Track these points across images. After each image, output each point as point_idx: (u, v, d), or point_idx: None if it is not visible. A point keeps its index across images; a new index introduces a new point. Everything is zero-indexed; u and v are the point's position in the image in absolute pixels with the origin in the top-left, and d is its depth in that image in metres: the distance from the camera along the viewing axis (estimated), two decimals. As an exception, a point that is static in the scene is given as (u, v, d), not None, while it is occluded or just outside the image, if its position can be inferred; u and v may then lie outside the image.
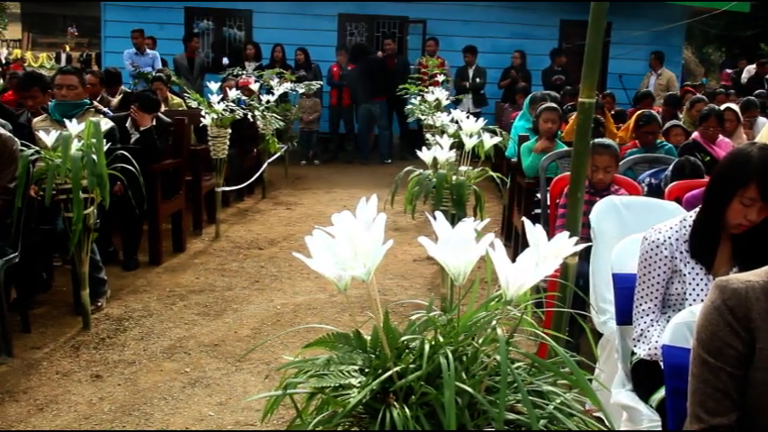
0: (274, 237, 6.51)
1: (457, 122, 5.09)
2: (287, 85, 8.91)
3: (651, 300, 2.49)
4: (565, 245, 1.34)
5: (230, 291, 5.02)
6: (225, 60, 11.34)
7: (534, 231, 1.34)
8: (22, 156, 3.94)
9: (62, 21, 27.90)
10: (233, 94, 6.71)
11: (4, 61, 19.04)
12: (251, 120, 7.39)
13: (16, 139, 4.06)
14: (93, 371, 3.74)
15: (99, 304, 4.57)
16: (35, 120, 4.96)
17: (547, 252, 1.31)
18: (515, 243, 5.77)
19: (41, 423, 3.20)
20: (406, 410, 1.20)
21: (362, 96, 10.70)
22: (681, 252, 2.43)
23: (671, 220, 2.52)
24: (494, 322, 1.29)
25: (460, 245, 1.27)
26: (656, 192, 4.18)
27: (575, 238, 1.34)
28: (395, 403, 1.22)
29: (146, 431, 3.18)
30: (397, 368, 1.24)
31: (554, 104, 5.89)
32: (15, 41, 26.00)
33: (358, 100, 10.88)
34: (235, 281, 5.24)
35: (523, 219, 1.46)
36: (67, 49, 22.58)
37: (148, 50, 10.65)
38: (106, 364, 3.82)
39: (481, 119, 4.50)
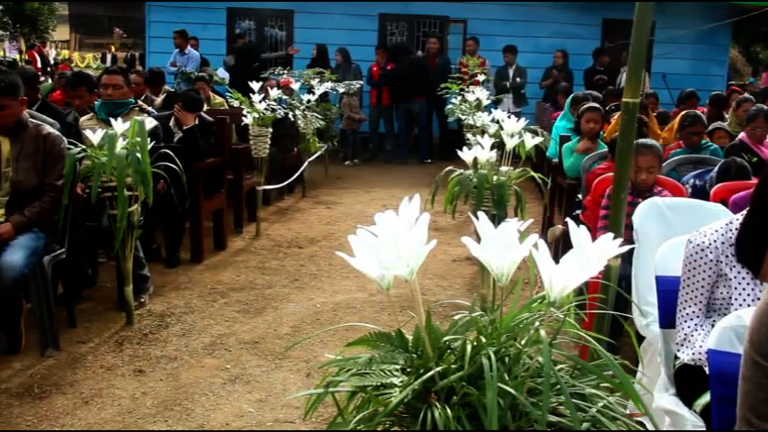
0: (314, 235, 6.55)
1: (498, 122, 5.07)
2: (327, 85, 8.95)
3: (695, 304, 2.45)
4: (609, 246, 1.33)
5: (270, 289, 5.06)
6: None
7: (578, 233, 1.32)
8: (70, 154, 4.02)
9: (108, 22, 28.35)
10: (274, 93, 6.76)
11: (52, 62, 19.46)
12: (292, 119, 7.43)
13: (64, 137, 4.13)
14: (136, 366, 3.80)
15: (142, 300, 4.64)
16: (82, 119, 5.04)
17: (591, 254, 1.30)
18: (555, 244, 5.72)
19: (87, 416, 3.26)
20: (448, 411, 1.20)
21: (402, 96, 10.69)
22: (726, 256, 2.39)
23: (716, 222, 2.48)
24: (537, 324, 1.28)
25: (504, 245, 1.27)
26: (700, 193, 4.11)
27: (619, 240, 1.33)
28: (436, 403, 1.22)
29: (187, 431, 3.22)
30: (439, 368, 1.24)
31: (596, 104, 5.84)
32: (63, 42, 26.52)
33: (398, 99, 10.88)
34: (275, 279, 5.28)
35: (567, 220, 1.45)
36: (113, 49, 22.94)
37: (189, 50, 10.80)
38: (149, 360, 3.88)
39: (522, 119, 4.47)
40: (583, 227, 1.34)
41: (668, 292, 2.60)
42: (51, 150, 4.00)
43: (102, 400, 3.42)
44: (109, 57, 21.82)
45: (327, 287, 5.13)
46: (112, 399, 3.44)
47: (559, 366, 1.36)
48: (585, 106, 5.67)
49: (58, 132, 4.14)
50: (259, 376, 3.71)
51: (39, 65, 17.31)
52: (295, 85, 8.45)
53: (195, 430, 3.19)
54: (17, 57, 19.41)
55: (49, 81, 9.44)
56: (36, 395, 3.44)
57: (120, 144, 3.98)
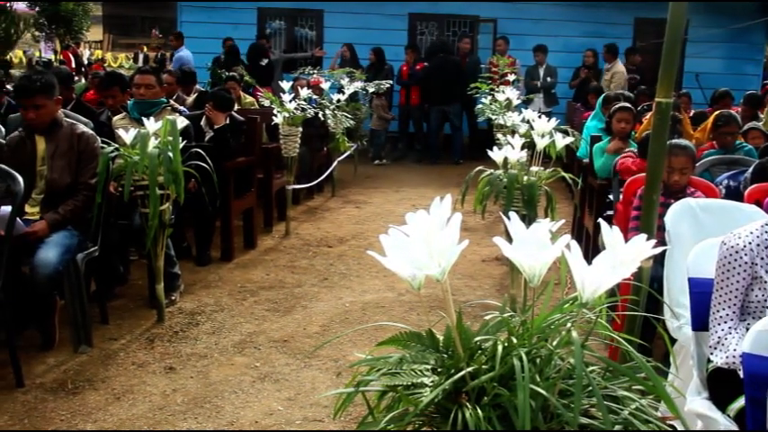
0: (343, 235, 6.56)
1: (528, 122, 5.04)
2: (357, 85, 8.96)
3: (729, 306, 2.42)
4: (642, 248, 1.32)
5: (300, 288, 5.08)
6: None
7: (611, 234, 1.31)
8: (103, 153, 4.07)
9: (140, 22, 28.67)
10: (304, 92, 6.78)
11: (86, 62, 19.71)
12: (321, 118, 7.45)
13: (97, 136, 4.19)
14: (167, 363, 3.83)
15: (173, 298, 4.68)
16: (115, 118, 5.10)
17: (624, 255, 1.29)
18: (586, 244, 5.68)
19: (118, 411, 3.30)
20: (479, 411, 1.20)
21: (438, 97, 10.62)
22: (762, 258, 2.35)
23: (751, 224, 2.44)
24: (568, 325, 1.27)
25: (536, 246, 1.26)
26: (734, 194, 4.05)
27: (652, 241, 1.32)
28: (467, 404, 1.22)
29: (217, 430, 3.24)
30: (470, 368, 1.24)
31: (628, 104, 5.78)
32: (97, 43, 26.88)
33: (433, 100, 10.80)
34: (304, 278, 5.30)
35: (600, 221, 1.44)
36: (145, 49, 23.19)
37: (180, 50, 11.01)
38: (179, 357, 3.91)
39: (553, 118, 4.44)
40: (615, 228, 1.33)
41: (701, 294, 2.56)
42: (85, 149, 4.06)
43: (133, 397, 3.46)
44: (141, 57, 22.06)
45: (356, 286, 5.14)
46: (143, 395, 3.48)
47: (591, 368, 1.35)
48: (617, 106, 5.62)
49: (91, 131, 4.20)
50: (288, 375, 3.72)
51: (73, 65, 17.55)
52: (325, 85, 8.47)
53: (224, 430, 3.21)
54: (52, 57, 19.71)
55: (83, 81, 9.57)
56: (69, 390, 3.49)
57: (153, 143, 4.02)
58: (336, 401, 1.43)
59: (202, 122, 5.73)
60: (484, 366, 1.26)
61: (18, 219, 3.64)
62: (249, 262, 5.69)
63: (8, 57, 17.97)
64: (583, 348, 1.21)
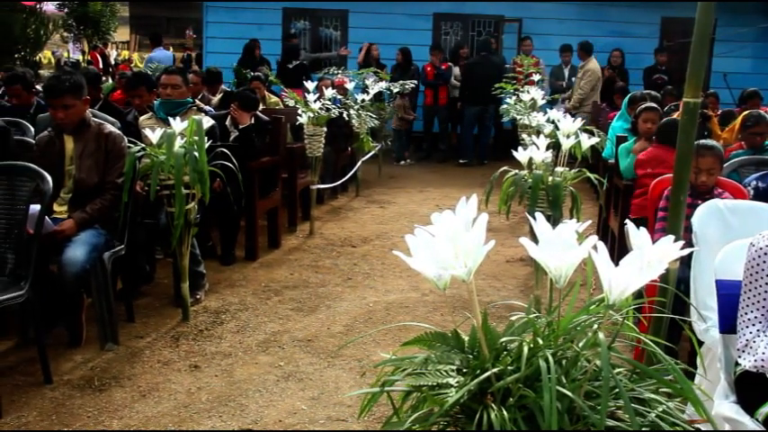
0: (367, 235, 6.57)
1: (553, 122, 5.01)
2: (382, 85, 8.97)
3: (758, 309, 2.39)
4: (669, 249, 1.31)
5: (323, 287, 5.10)
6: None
7: (638, 235, 1.31)
8: (130, 152, 4.11)
9: (166, 23, 28.88)
10: (329, 92, 6.80)
11: (113, 62, 19.90)
12: (346, 118, 7.47)
13: (124, 136, 4.23)
14: (192, 361, 3.86)
15: (198, 297, 4.71)
16: (141, 118, 5.15)
17: (651, 256, 1.28)
18: (611, 245, 5.63)
19: (144, 409, 3.33)
20: (504, 412, 1.19)
21: (476, 97, 10.55)
22: (791, 259, 2.32)
23: (781, 225, 2.41)
24: (595, 326, 1.27)
25: (562, 247, 1.25)
26: (763, 196, 4.00)
27: (680, 242, 1.30)
28: (492, 404, 1.22)
29: (240, 430, 3.26)
30: (496, 369, 1.23)
31: (654, 104, 5.73)
32: (123, 43, 27.12)
33: (469, 99, 10.72)
34: (328, 278, 5.32)
35: (627, 222, 1.43)
36: (170, 49, 23.36)
37: (157, 50, 11.22)
38: (204, 355, 3.94)
39: (578, 119, 4.42)
40: (643, 229, 1.32)
41: (729, 296, 2.53)
42: (112, 149, 4.10)
43: (158, 394, 3.49)
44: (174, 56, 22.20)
45: (380, 286, 5.14)
46: (169, 393, 3.50)
47: (617, 370, 1.34)
48: (643, 106, 5.58)
49: (118, 131, 4.24)
50: (312, 374, 3.73)
51: (100, 65, 17.73)
52: (349, 85, 8.49)
53: (248, 429, 3.22)
54: (80, 58, 19.93)
55: (110, 81, 9.66)
56: (96, 387, 3.53)
57: (179, 143, 4.05)
58: (362, 401, 1.43)
59: (227, 122, 5.76)
60: (509, 367, 1.26)
61: (47, 218, 3.69)
62: (273, 261, 5.72)
63: (37, 57, 18.20)
64: (609, 350, 1.20)
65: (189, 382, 3.62)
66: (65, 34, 23.64)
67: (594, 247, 1.25)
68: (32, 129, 5.04)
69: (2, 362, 3.62)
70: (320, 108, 6.28)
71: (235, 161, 4.41)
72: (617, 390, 1.21)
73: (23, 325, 4.01)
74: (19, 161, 3.82)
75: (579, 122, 4.34)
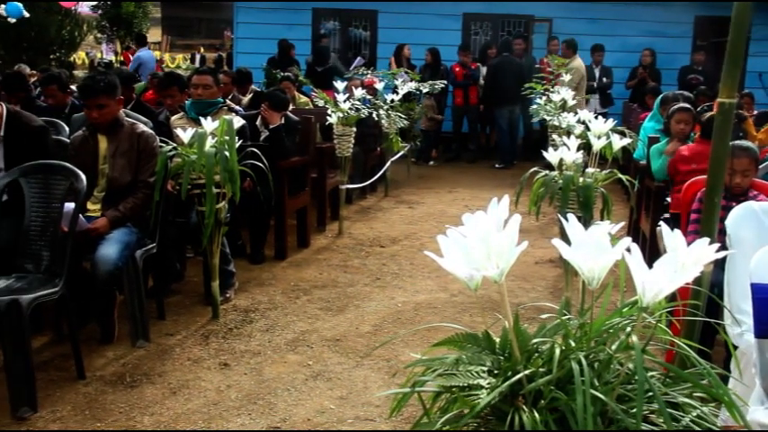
0: (396, 235, 6.57)
1: (584, 123, 4.97)
2: (411, 85, 8.96)
3: (794, 312, 2.35)
4: (704, 252, 1.29)
5: (352, 287, 5.11)
6: (359, 60, 11.53)
7: (673, 237, 1.29)
8: (161, 152, 4.15)
9: (197, 24, 29.14)
10: (358, 93, 6.81)
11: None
12: (375, 118, 7.47)
13: (156, 136, 4.27)
14: (222, 359, 3.89)
15: (227, 295, 4.74)
16: (173, 118, 5.19)
17: (686, 259, 1.26)
18: (642, 247, 5.58)
19: (174, 406, 3.36)
20: (536, 414, 1.19)
21: (505, 98, 10.49)
22: (828, 263, 2.28)
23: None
24: (628, 329, 1.25)
25: (595, 248, 1.24)
26: (799, 198, 3.94)
27: (715, 245, 1.29)
28: (524, 406, 1.21)
29: (266, 430, 3.28)
30: (527, 371, 1.23)
31: (687, 105, 5.66)
32: (155, 44, 27.41)
33: (499, 100, 10.65)
34: (357, 277, 5.33)
35: (661, 224, 1.42)
36: (201, 50, 23.57)
37: (140, 51, 11.32)
38: (233, 354, 3.96)
39: (610, 119, 4.38)
40: (677, 231, 1.31)
41: (764, 300, 2.49)
42: (145, 148, 4.14)
43: (188, 392, 3.52)
44: (198, 57, 22.42)
45: (409, 286, 5.14)
46: (199, 390, 3.53)
47: (651, 373, 1.33)
48: (676, 107, 5.51)
49: (151, 131, 4.28)
50: (340, 373, 3.74)
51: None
52: (379, 85, 8.50)
53: (275, 428, 3.24)
54: (113, 58, 20.18)
55: (143, 81, 9.76)
56: (127, 384, 3.57)
57: (210, 142, 4.08)
58: (392, 402, 1.43)
59: (258, 122, 5.80)
60: (541, 369, 1.25)
61: (80, 216, 3.74)
62: (302, 261, 5.74)
63: (72, 58, 18.48)
64: (643, 353, 1.19)
65: (218, 379, 3.65)
66: (98, 35, 23.98)
67: (628, 249, 1.24)
68: (67, 128, 5.11)
69: (38, 357, 3.67)
70: (350, 108, 6.29)
71: (265, 161, 4.43)
72: (650, 393, 1.20)
73: (58, 321, 4.07)
74: (55, 160, 3.88)
75: (610, 123, 4.31)
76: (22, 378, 3.25)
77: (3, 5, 11.77)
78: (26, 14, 11.89)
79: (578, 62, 10.35)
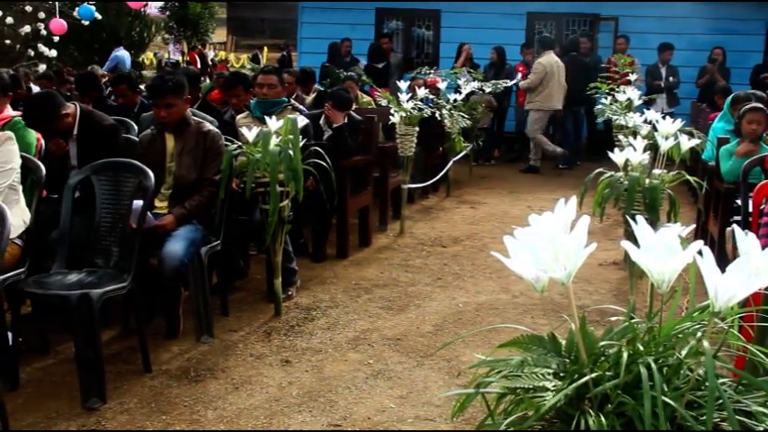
0: (458, 235, 6.55)
1: (651, 123, 4.87)
2: (474, 84, 8.91)
3: None
4: (780, 256, 1.25)
5: (413, 286, 5.11)
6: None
7: (746, 240, 1.26)
8: (227, 151, 4.22)
9: (261, 24, 29.54)
10: (421, 92, 6.80)
11: (210, 63, 20.51)
12: (438, 118, 7.45)
13: (222, 134, 4.34)
14: (283, 356, 3.93)
15: (289, 293, 4.79)
16: (238, 117, 5.26)
17: (761, 263, 1.23)
18: (710, 250, 5.43)
19: (237, 401, 3.41)
20: (602, 418, 1.17)
21: (571, 98, 10.36)
22: None
23: None
24: (699, 334, 1.23)
25: (665, 251, 1.22)
26: None
27: (791, 249, 1.25)
28: (590, 410, 1.19)
29: (334, 428, 3.30)
30: (594, 374, 1.21)
31: (760, 105, 5.50)
32: (220, 44, 27.92)
33: (565, 101, 10.50)
34: (418, 277, 5.32)
35: (734, 227, 1.38)
36: (266, 50, 23.87)
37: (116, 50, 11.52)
38: (295, 351, 4.00)
39: (678, 119, 4.28)
40: (751, 234, 1.27)
41: (841, 306, 2.41)
42: (211, 147, 4.21)
43: (251, 387, 3.57)
44: (261, 57, 22.71)
45: (470, 287, 5.12)
46: (261, 386, 3.58)
47: (722, 380, 1.29)
48: (748, 106, 5.35)
49: (216, 130, 4.36)
50: (401, 373, 3.75)
51: (198, 66, 18.27)
52: (442, 85, 8.47)
53: (332, 427, 3.26)
54: (179, 59, 20.62)
55: (208, 81, 9.94)
56: (192, 378, 3.64)
57: (274, 141, 4.13)
58: (454, 402, 1.43)
59: (321, 121, 5.84)
60: (608, 373, 1.23)
61: (148, 213, 3.82)
62: (364, 260, 5.77)
63: (141, 59, 18.95)
64: (714, 359, 1.16)
65: (280, 376, 3.69)
66: (166, 36, 24.53)
67: (699, 252, 1.21)
68: (136, 127, 5.23)
69: (107, 349, 3.76)
70: (412, 108, 6.29)
71: (328, 160, 4.47)
72: (721, 400, 1.17)
73: (125, 315, 4.17)
74: (124, 158, 3.98)
75: (678, 124, 4.21)
76: (93, 370, 3.35)
77: (76, 8, 12.15)
78: (98, 16, 12.24)
79: (545, 59, 10.12)
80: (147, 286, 3.93)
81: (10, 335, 3.58)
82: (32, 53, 12.08)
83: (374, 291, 5.00)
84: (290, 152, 4.12)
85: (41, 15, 11.91)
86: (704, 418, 1.13)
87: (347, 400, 3.46)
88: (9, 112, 4.54)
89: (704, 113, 8.90)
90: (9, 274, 3.50)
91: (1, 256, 3.08)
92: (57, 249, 3.79)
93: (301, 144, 4.24)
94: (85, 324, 3.31)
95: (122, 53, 12.16)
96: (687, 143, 4.19)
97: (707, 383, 1.12)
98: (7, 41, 12.13)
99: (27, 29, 11.82)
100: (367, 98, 8.26)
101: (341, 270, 5.46)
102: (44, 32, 11.89)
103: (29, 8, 12.03)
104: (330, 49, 11.11)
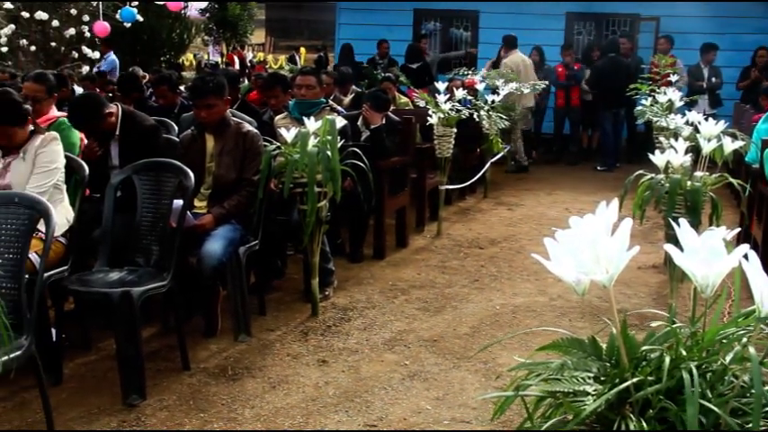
0: (495, 236, 6.52)
1: (693, 125, 4.80)
2: (512, 86, 8.86)
3: None
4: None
5: (450, 288, 5.09)
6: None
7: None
8: (265, 151, 4.25)
9: (299, 25, 29.71)
10: (459, 93, 6.77)
11: (249, 64, 20.69)
12: (476, 119, 7.42)
13: (260, 135, 4.37)
14: (320, 356, 3.95)
15: (326, 293, 4.80)
16: (277, 117, 5.30)
17: (808, 268, 1.20)
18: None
19: (274, 400, 3.43)
20: (643, 424, 1.15)
21: (607, 101, 10.23)
22: None
23: None
24: (744, 339, 1.20)
25: (709, 254, 1.20)
26: None
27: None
28: (631, 415, 1.18)
29: (370, 428, 3.30)
30: (635, 379, 1.19)
31: (806, 106, 5.38)
32: (259, 45, 28.15)
33: (606, 101, 10.39)
34: (455, 278, 5.31)
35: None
36: (303, 51, 24.00)
37: (108, 55, 11.61)
38: (331, 351, 4.02)
39: (721, 121, 4.21)
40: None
41: None
42: (250, 147, 4.25)
43: (287, 387, 3.59)
44: (298, 58, 22.84)
45: (507, 289, 5.09)
46: (297, 386, 3.60)
47: None
48: (793, 108, 5.25)
49: (255, 130, 4.39)
50: (437, 374, 3.74)
51: (237, 67, 18.44)
52: (479, 86, 8.44)
53: (368, 427, 3.26)
54: (219, 60, 20.84)
55: (247, 82, 10.02)
56: (229, 376, 3.67)
57: (312, 142, 4.15)
58: (494, 405, 1.42)
59: (359, 122, 5.85)
60: (649, 378, 1.21)
61: (188, 212, 3.87)
62: (400, 260, 5.76)
63: (180, 60, 19.18)
64: (761, 365, 1.14)
65: (317, 376, 3.71)
66: (205, 38, 24.80)
67: (745, 256, 1.19)
68: (176, 127, 5.29)
69: (146, 347, 3.81)
70: (450, 109, 6.27)
71: (366, 161, 4.47)
72: None
73: (165, 313, 4.23)
74: (165, 158, 4.03)
75: (721, 125, 4.14)
76: (133, 366, 3.40)
77: (118, 11, 12.34)
78: (140, 19, 12.41)
79: (510, 59, 9.97)
80: (187, 285, 3.98)
81: (54, 331, 3.66)
82: (76, 55, 12.29)
83: (411, 292, 4.99)
84: (328, 153, 4.14)
85: (86, 18, 12.12)
86: (750, 425, 1.11)
87: (383, 400, 3.47)
88: (54, 112, 4.63)
89: (748, 114, 8.73)
90: (53, 272, 3.57)
91: (46, 254, 3.13)
92: (99, 248, 3.86)
93: (339, 145, 4.25)
94: (126, 321, 3.36)
95: (113, 57, 12.42)
96: (730, 145, 4.12)
97: (752, 390, 1.10)
98: (53, 44, 12.36)
99: (72, 31, 12.05)
100: (404, 99, 8.26)
101: (378, 271, 5.47)
102: (88, 35, 12.12)
103: (74, 11, 12.24)
104: (342, 51, 11.13)
